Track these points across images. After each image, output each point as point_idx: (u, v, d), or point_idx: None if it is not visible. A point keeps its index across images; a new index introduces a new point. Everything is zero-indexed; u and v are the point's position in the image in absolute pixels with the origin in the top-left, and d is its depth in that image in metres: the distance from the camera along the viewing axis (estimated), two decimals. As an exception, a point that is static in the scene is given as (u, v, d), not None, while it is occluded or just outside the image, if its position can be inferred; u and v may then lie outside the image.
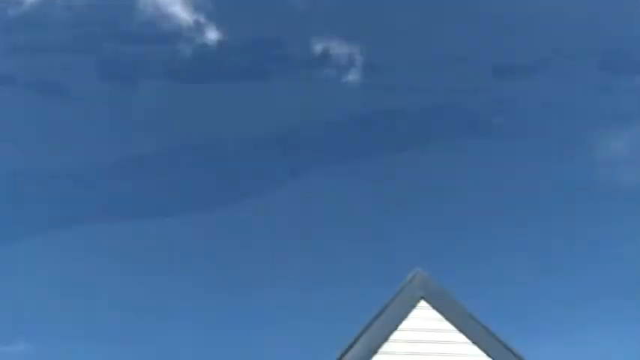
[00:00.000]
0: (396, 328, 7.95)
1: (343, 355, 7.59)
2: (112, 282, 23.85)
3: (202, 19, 23.34)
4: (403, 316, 8.06)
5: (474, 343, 7.85)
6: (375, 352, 7.67)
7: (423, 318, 8.08)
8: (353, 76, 24.10)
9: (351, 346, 7.68)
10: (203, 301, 25.15)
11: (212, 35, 23.29)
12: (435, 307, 8.18)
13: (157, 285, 25.49)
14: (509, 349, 7.79)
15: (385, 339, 7.81)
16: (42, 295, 23.70)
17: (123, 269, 25.22)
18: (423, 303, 8.24)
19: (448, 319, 8.08)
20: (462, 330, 7.96)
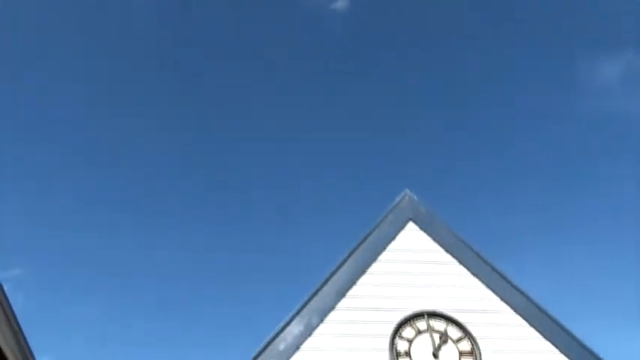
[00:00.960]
0: (384, 249, 8.02)
1: (333, 274, 7.65)
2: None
3: None
4: (391, 238, 8.13)
5: (461, 263, 7.99)
6: (363, 272, 7.74)
7: (411, 239, 8.16)
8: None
9: (340, 266, 7.74)
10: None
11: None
12: (423, 228, 8.26)
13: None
14: (496, 270, 7.97)
15: (374, 259, 7.89)
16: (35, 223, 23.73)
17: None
18: (411, 225, 8.31)
19: (436, 240, 8.19)
20: (449, 251, 8.08)
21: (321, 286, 7.53)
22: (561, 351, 7.37)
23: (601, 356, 7.40)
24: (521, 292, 7.80)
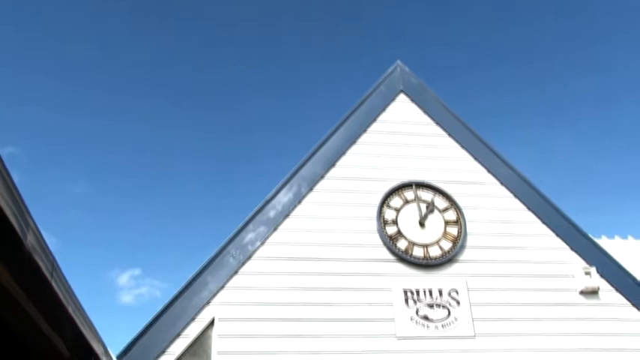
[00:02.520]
0: (374, 120, 7.97)
1: (323, 143, 7.64)
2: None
3: None
4: (382, 109, 8.06)
5: (450, 135, 8.00)
6: (353, 142, 7.74)
7: (402, 111, 8.11)
8: None
9: (330, 136, 7.72)
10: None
11: None
12: (413, 100, 8.18)
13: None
14: (484, 143, 8.00)
15: (364, 130, 7.86)
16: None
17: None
18: (402, 96, 8.22)
19: (426, 112, 8.14)
20: (439, 123, 8.06)
21: (311, 156, 7.54)
22: (544, 222, 7.59)
23: (582, 227, 7.65)
24: (508, 165, 7.89)
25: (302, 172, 7.44)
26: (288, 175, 7.39)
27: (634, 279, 7.44)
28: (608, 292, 7.26)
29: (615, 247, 10.69)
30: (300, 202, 7.24)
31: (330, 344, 6.41)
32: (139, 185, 28.90)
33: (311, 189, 7.34)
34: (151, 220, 28.72)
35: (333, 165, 7.54)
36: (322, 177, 7.44)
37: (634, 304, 7.22)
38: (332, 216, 7.20)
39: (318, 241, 7.00)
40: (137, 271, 30.71)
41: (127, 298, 28.70)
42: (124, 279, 30.66)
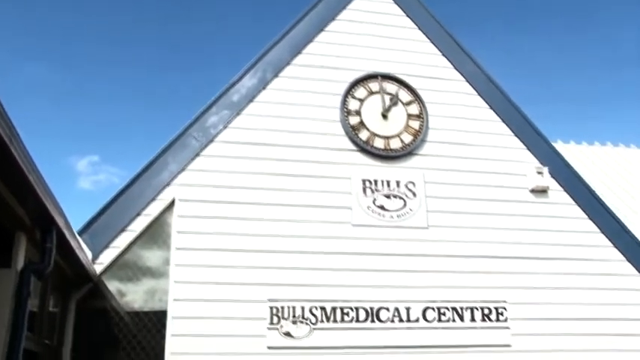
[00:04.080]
0: (344, 8, 7.79)
1: (290, 29, 7.48)
2: None
3: None
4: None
5: (421, 29, 7.90)
6: (321, 29, 7.59)
7: (373, 0, 7.93)
8: None
9: (298, 22, 7.55)
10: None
11: None
12: (385, -11, 7.98)
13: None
14: (453, 39, 7.95)
15: (332, 18, 7.68)
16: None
17: None
18: (374, -16, 7.99)
19: (397, 3, 7.97)
20: (410, 16, 7.92)
21: (278, 41, 7.40)
22: (504, 121, 7.72)
23: (545, 134, 7.82)
24: (475, 62, 7.90)
25: (268, 57, 7.32)
26: (253, 60, 7.27)
27: (582, 180, 7.75)
28: (557, 192, 7.56)
29: (569, 151, 11.03)
30: (264, 87, 7.17)
31: (286, 228, 6.59)
32: (98, 71, 28.06)
33: (276, 75, 7.26)
34: (110, 106, 28.15)
35: (299, 52, 7.42)
36: (288, 63, 7.34)
37: (579, 204, 7.56)
38: (296, 103, 7.18)
39: (281, 127, 7.02)
40: (95, 158, 30.48)
41: (84, 184, 28.61)
42: (82, 165, 30.43)
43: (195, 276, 6.20)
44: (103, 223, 6.26)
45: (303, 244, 6.56)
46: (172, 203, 6.47)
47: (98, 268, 6.09)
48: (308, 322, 6.31)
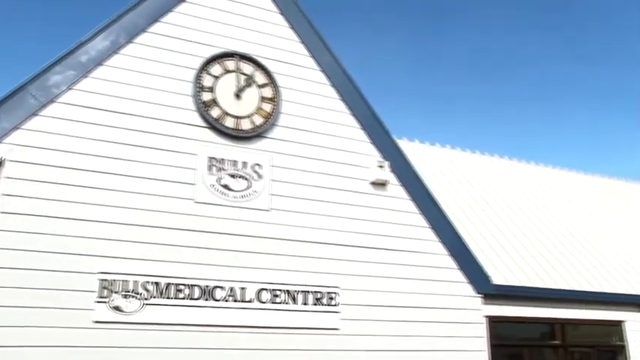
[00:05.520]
0: (208, -19, 7.65)
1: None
2: None
3: None
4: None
5: (283, 14, 7.94)
6: (184, 0, 7.40)
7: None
8: None
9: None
10: None
11: None
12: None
13: None
14: (314, 28, 8.07)
15: (182, 0, 7.52)
16: None
17: None
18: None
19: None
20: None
21: (135, 5, 7.09)
22: (353, 114, 8.00)
23: (386, 126, 8.21)
24: (332, 54, 8.08)
25: (123, 20, 6.99)
26: (106, 22, 6.91)
27: (418, 178, 8.24)
28: (395, 187, 7.99)
29: (411, 148, 11.67)
30: (116, 51, 6.86)
31: (124, 199, 6.38)
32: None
33: (130, 40, 6.96)
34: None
35: (157, 20, 7.17)
36: (144, 30, 7.07)
37: (414, 200, 8.04)
38: (148, 72, 6.94)
39: (130, 95, 6.76)
40: None
41: None
42: None
43: (19, 243, 5.83)
44: None
45: (140, 218, 6.40)
46: (1, 163, 6.02)
47: None
48: (140, 296, 6.18)
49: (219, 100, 7.17)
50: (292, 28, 7.97)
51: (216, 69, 7.28)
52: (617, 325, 9.79)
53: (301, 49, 7.94)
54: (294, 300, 6.91)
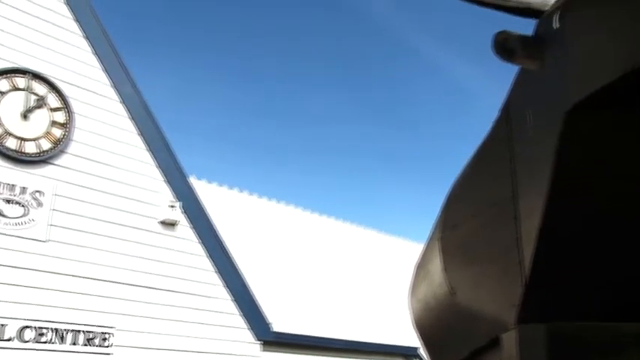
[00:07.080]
0: (7, -9, 7.14)
1: None
2: None
3: None
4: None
5: (88, 39, 7.65)
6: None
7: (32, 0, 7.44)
8: None
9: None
10: None
11: None
12: (59, -13, 7.56)
13: None
14: (119, 59, 7.88)
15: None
16: None
17: None
18: (47, -22, 7.51)
19: (70, 6, 7.61)
20: (79, 22, 7.62)
21: None
22: (149, 150, 7.85)
23: (181, 164, 8.16)
24: (134, 86, 7.91)
25: None
26: None
27: (209, 221, 8.28)
28: (185, 228, 7.94)
29: (200, 188, 11.69)
30: None
31: None
32: None
33: None
34: None
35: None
36: None
37: (202, 242, 8.05)
38: None
39: None
40: None
41: None
42: None
43: None
44: None
45: None
46: None
47: None
48: None
49: (3, 119, 6.63)
50: (96, 54, 7.69)
51: (3, 84, 6.74)
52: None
53: (103, 77, 7.68)
54: (62, 339, 6.47)
